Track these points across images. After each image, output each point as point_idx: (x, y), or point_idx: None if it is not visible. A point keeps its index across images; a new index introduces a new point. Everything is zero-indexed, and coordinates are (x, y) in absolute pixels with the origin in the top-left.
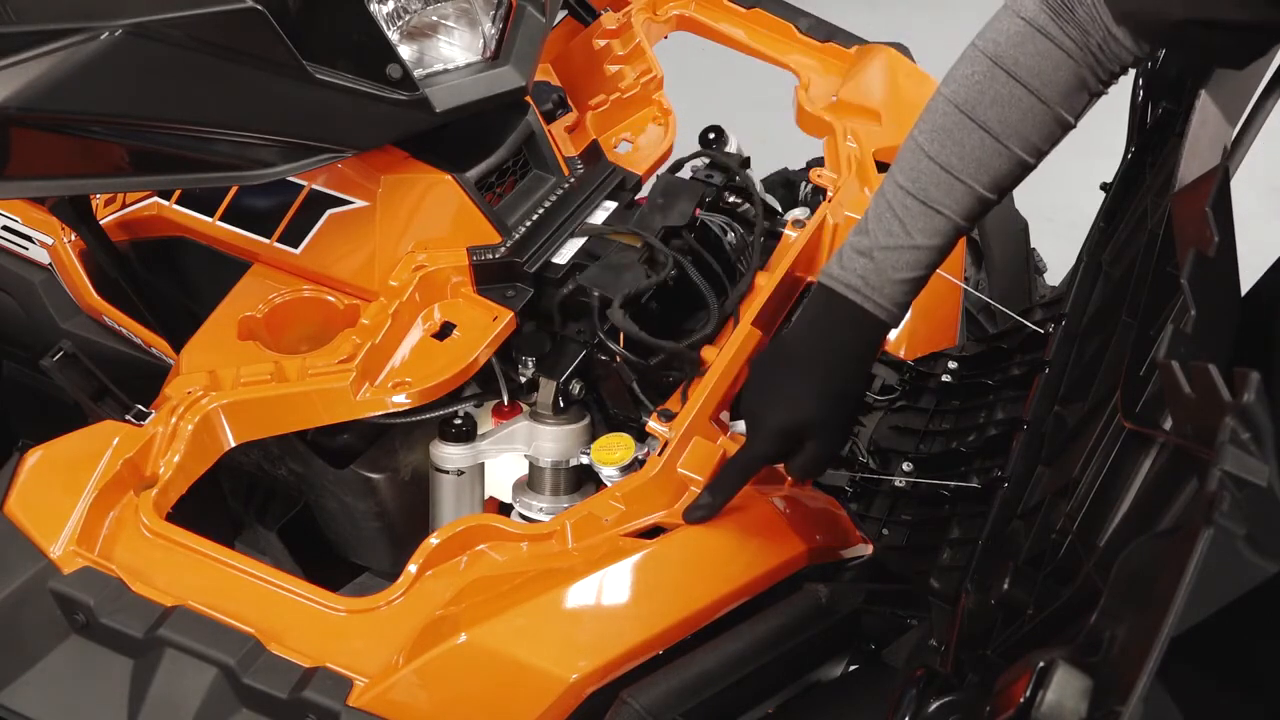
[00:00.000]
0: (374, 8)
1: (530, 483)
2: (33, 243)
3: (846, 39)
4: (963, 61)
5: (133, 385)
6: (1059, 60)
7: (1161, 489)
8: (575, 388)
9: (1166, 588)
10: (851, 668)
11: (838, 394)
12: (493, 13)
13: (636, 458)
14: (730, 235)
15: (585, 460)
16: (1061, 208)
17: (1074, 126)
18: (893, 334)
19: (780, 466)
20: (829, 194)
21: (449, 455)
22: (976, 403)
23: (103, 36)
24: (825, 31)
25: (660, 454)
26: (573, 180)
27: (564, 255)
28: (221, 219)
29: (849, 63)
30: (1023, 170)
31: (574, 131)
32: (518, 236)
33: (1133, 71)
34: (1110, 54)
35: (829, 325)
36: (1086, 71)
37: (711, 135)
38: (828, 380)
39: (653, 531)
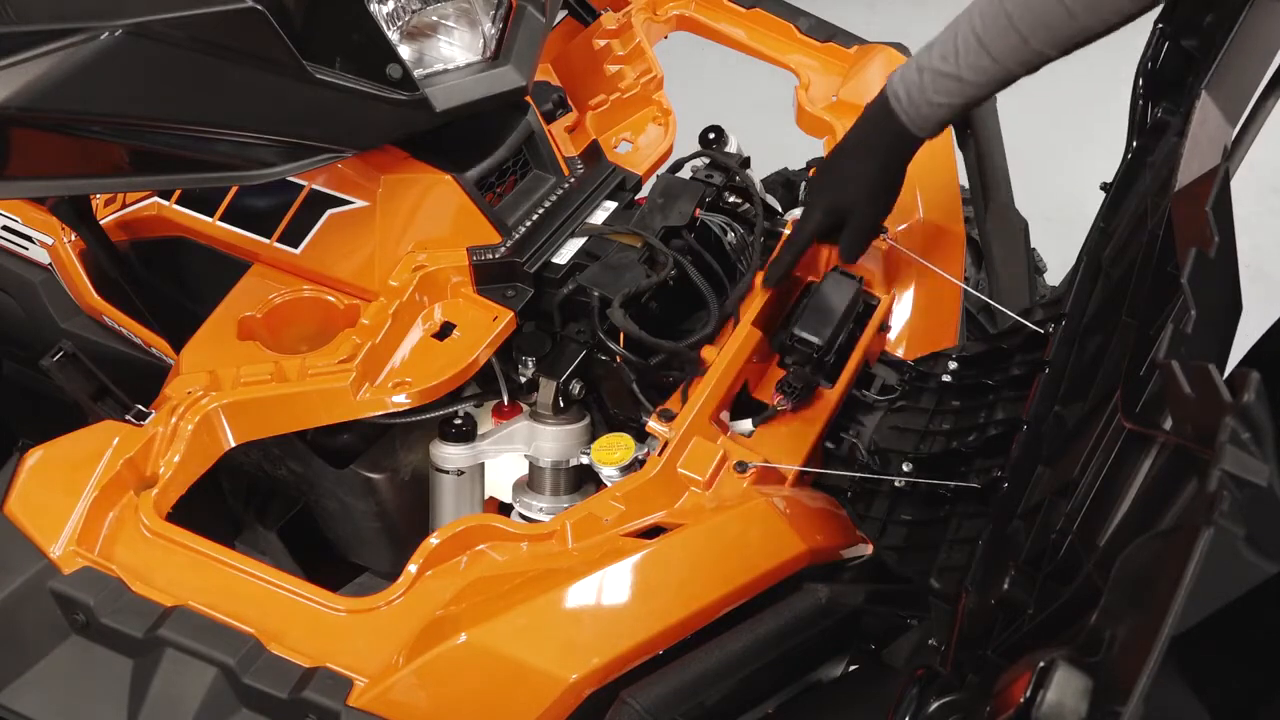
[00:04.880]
0: (374, 8)
1: (530, 483)
2: (33, 243)
3: (846, 39)
4: None
5: (133, 385)
6: None
7: (1161, 489)
8: (575, 388)
9: (1166, 588)
10: (851, 668)
11: (875, 182)
12: (493, 13)
13: (636, 458)
14: (730, 235)
15: (585, 460)
16: (1061, 208)
17: (1139, 12)
18: (895, 342)
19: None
20: None
21: (449, 455)
22: (976, 403)
23: (103, 36)
24: (825, 32)
25: (660, 454)
26: (573, 180)
27: (564, 255)
28: (221, 219)
29: (849, 63)
30: (1084, 35)
31: (574, 131)
32: (518, 236)
33: (1133, 70)
34: None
35: (874, 127)
36: None
37: (711, 135)
38: (868, 171)
39: (653, 531)
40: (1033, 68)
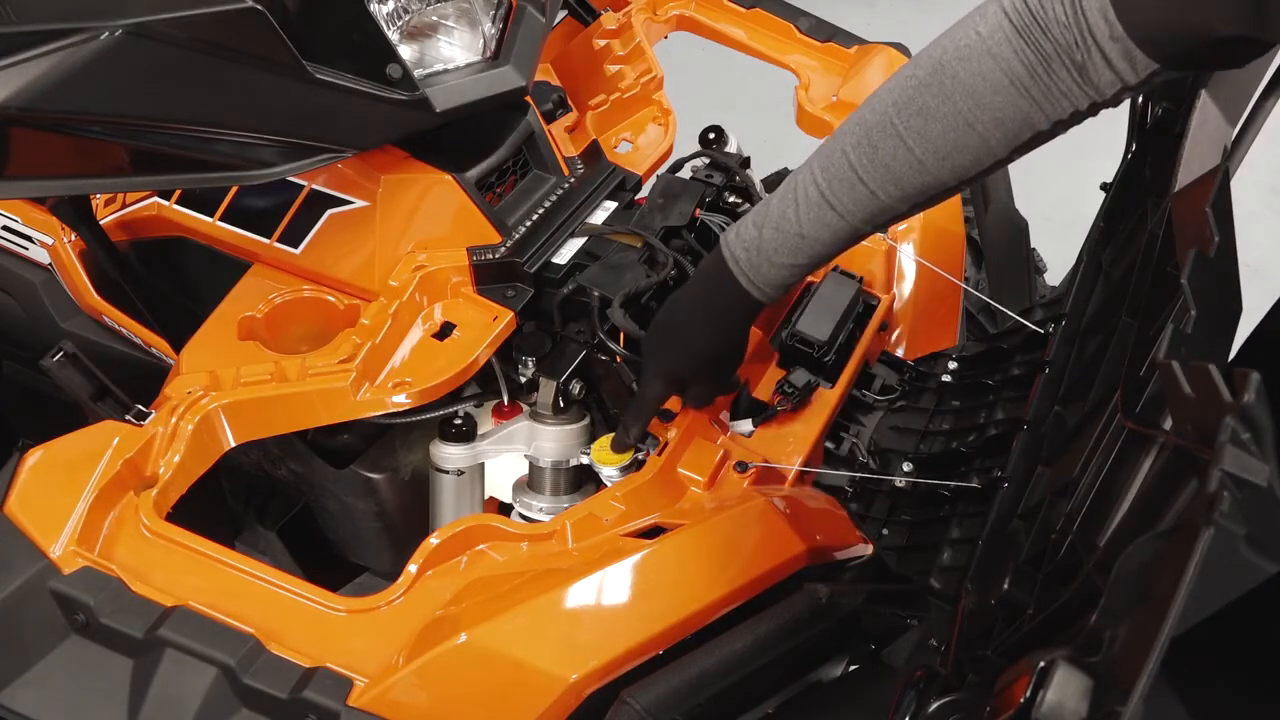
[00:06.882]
0: (374, 8)
1: (530, 483)
2: (33, 243)
3: (846, 39)
4: (917, 58)
5: (133, 385)
6: (999, 85)
7: (1161, 489)
8: (575, 388)
9: (1166, 588)
10: (851, 668)
11: (711, 351)
12: (493, 13)
13: (636, 458)
14: None
15: (585, 460)
16: (1061, 208)
17: (1005, 161)
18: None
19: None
20: None
21: (449, 455)
22: (976, 403)
23: (103, 36)
24: (825, 32)
25: (660, 454)
26: (573, 180)
27: (564, 255)
28: (221, 219)
29: (849, 63)
30: (939, 189)
31: (574, 131)
32: (518, 236)
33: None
34: (1085, 83)
35: (710, 290)
36: (1029, 104)
37: (711, 135)
38: (703, 340)
39: (653, 531)
40: (881, 225)
